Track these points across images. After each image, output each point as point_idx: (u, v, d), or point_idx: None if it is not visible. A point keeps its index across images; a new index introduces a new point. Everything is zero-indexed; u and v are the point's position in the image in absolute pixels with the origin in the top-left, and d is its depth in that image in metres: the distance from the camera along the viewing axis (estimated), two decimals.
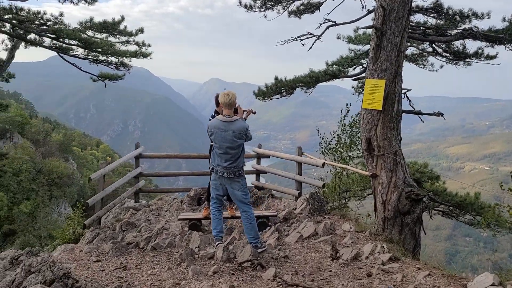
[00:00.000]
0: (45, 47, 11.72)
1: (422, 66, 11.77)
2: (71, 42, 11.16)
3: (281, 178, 10.30)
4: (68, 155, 67.40)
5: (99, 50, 11.35)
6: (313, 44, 9.42)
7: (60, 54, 12.04)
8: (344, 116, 9.73)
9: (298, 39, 9.52)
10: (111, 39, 13.60)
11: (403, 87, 11.28)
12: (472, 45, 15.06)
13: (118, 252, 5.10)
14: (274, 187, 9.38)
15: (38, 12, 11.23)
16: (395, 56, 6.27)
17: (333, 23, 8.32)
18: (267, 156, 10.01)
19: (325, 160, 9.20)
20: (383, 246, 5.44)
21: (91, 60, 12.03)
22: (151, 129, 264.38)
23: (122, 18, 13.34)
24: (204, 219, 6.76)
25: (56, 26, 10.90)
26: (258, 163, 10.09)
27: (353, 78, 9.93)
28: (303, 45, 9.69)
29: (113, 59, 12.05)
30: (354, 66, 10.63)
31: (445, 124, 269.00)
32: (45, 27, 10.92)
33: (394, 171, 6.29)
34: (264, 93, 10.73)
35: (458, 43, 9.36)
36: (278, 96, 11.32)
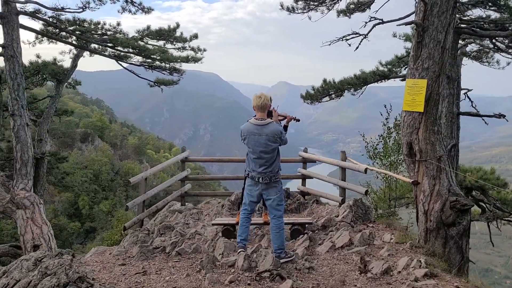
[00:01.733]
0: (104, 55, 12.39)
1: (487, 63, 10.84)
2: (129, 50, 11.67)
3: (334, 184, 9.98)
4: (142, 157, 71.23)
5: (152, 56, 11.75)
6: (359, 43, 9.02)
7: (119, 62, 12.64)
8: (386, 118, 9.19)
9: (344, 39, 9.19)
10: (168, 45, 14.13)
11: (464, 88, 10.52)
12: None
13: (143, 256, 5.18)
14: (318, 192, 9.09)
15: (98, 23, 11.91)
16: (439, 54, 5.77)
17: (380, 21, 7.89)
18: (314, 161, 9.73)
19: (372, 165, 8.75)
20: (420, 261, 5.01)
21: (146, 66, 12.50)
22: (221, 132, 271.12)
23: (177, 25, 13.74)
24: (237, 224, 6.69)
25: (115, 35, 11.46)
26: (304, 167, 9.85)
27: (402, 79, 9.36)
28: (349, 45, 9.34)
29: (166, 65, 12.42)
30: (405, 66, 10.02)
31: None
32: (105, 36, 11.55)
33: (437, 178, 5.79)
34: (312, 96, 10.49)
35: None
36: (327, 98, 11.02)
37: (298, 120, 6.21)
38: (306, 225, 6.83)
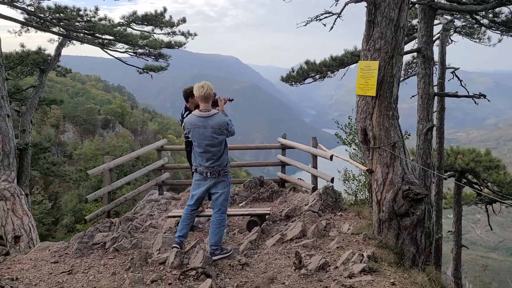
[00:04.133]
0: (89, 43, 12.28)
1: (478, 40, 10.21)
2: (112, 37, 11.52)
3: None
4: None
5: (134, 43, 11.57)
6: (334, 23, 8.61)
7: (104, 49, 12.52)
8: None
9: (317, 19, 8.75)
10: (158, 31, 13.92)
11: (453, 66, 9.98)
12: None
13: (79, 253, 5.08)
14: (293, 179, 8.84)
15: (79, 9, 11.72)
16: (391, 33, 5.38)
17: None
18: (292, 147, 9.46)
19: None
20: (362, 255, 4.76)
21: (131, 53, 12.34)
22: (241, 116, 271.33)
23: (165, 10, 13.48)
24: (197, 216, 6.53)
25: (94, 22, 11.30)
26: (284, 154, 9.59)
27: None
28: (324, 25, 8.92)
29: (151, 51, 12.23)
30: None
31: None
32: (83, 23, 11.40)
33: (391, 166, 5.46)
34: (293, 78, 10.15)
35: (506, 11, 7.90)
36: (311, 80, 10.65)
37: (231, 100, 5.96)
38: (267, 216, 6.61)
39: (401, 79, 8.61)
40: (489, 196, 11.60)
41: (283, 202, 8.14)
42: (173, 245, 4.88)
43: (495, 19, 7.88)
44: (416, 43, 7.82)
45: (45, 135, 52.09)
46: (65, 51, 14.34)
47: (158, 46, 12.13)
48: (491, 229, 13.01)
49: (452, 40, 11.12)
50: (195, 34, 14.50)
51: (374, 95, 5.46)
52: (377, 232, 5.56)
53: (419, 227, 5.36)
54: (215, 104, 5.46)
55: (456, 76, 10.83)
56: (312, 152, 7.89)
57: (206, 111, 4.80)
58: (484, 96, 7.89)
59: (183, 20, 14.01)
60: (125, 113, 71.48)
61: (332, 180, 7.51)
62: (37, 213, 26.44)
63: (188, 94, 6.52)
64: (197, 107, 6.24)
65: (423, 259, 5.43)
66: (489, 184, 11.87)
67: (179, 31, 14.27)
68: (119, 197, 8.76)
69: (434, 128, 8.94)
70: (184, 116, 6.38)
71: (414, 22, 9.94)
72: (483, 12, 7.60)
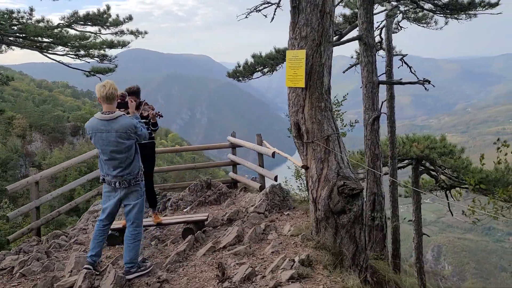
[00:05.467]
0: (25, 47, 11.56)
1: (425, 25, 10.03)
2: (44, 39, 10.85)
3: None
4: None
5: (71, 44, 10.94)
6: (274, 13, 8.27)
7: (44, 53, 11.84)
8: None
9: (256, 10, 8.41)
10: (105, 31, 13.30)
11: (402, 53, 9.74)
12: None
13: None
14: (243, 179, 8.46)
15: (12, 12, 10.99)
16: (317, 19, 5.03)
17: None
18: (240, 146, 9.07)
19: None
20: (294, 260, 4.40)
21: (71, 56, 11.70)
22: (218, 115, 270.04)
23: (108, 8, 12.88)
24: (122, 229, 6.04)
25: (26, 24, 10.62)
26: (234, 153, 9.20)
27: None
28: (265, 16, 8.58)
29: (94, 53, 11.62)
30: (336, 34, 9.22)
31: None
32: (14, 27, 10.69)
33: (325, 161, 5.12)
34: (240, 73, 9.74)
35: None
36: (260, 74, 10.27)
37: (161, 116, 5.53)
38: (205, 222, 6.20)
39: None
40: (449, 179, 11.53)
41: (231, 204, 7.75)
42: (85, 266, 4.38)
43: (436, 2, 7.67)
44: (357, 30, 7.55)
45: (11, 146, 50.22)
46: (29, 59, 13.55)
47: (98, 46, 11.52)
48: (452, 215, 12.91)
49: (401, 27, 10.97)
50: (145, 32, 13.97)
51: (304, 86, 5.11)
52: (315, 232, 5.23)
53: (357, 224, 5.04)
54: (123, 106, 4.92)
55: (405, 62, 10.64)
56: (257, 150, 7.53)
57: (109, 113, 4.28)
58: (429, 82, 7.66)
59: (129, 18, 13.45)
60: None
61: (275, 179, 7.16)
62: None
63: (128, 93, 6.07)
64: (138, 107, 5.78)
65: (363, 257, 5.12)
66: (446, 170, 11.80)
67: (127, 30, 13.71)
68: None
69: (386, 117, 8.68)
70: None
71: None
72: None
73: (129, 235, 4.45)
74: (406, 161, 12.56)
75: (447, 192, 12.21)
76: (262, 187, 7.62)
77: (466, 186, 11.14)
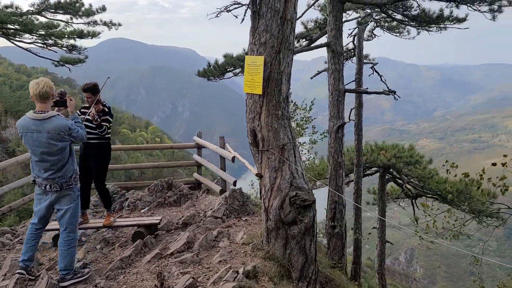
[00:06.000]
0: None
1: (398, 34, 10.07)
2: (9, 26, 10.47)
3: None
4: (114, 137, 69.51)
5: (38, 33, 10.59)
6: (244, 15, 8.12)
7: (11, 40, 11.44)
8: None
9: (226, 10, 8.23)
10: (77, 20, 12.98)
11: (371, 61, 9.73)
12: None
13: None
14: (205, 181, 8.33)
15: None
16: (278, 26, 4.93)
17: None
18: (204, 147, 8.93)
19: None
20: (237, 271, 4.31)
21: (39, 44, 11.34)
22: (201, 109, 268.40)
23: None
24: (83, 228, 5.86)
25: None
26: (199, 153, 9.05)
27: (295, 53, 8.49)
28: (236, 16, 8.41)
29: (62, 42, 11.28)
30: (307, 39, 9.14)
31: (503, 93, 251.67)
32: None
33: (279, 170, 5.04)
34: (209, 72, 9.58)
35: (423, 6, 7.71)
36: (231, 74, 10.14)
37: (98, 120, 5.37)
38: (158, 225, 6.06)
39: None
40: (414, 188, 11.65)
41: (191, 206, 7.62)
42: (17, 271, 4.18)
43: (406, 13, 7.68)
44: (326, 37, 7.49)
45: None
46: (7, 42, 12.92)
47: (67, 36, 11.19)
48: (417, 223, 13.08)
49: (374, 35, 10.99)
50: (119, 24, 13.69)
51: (261, 93, 5.01)
52: (265, 242, 5.15)
53: (307, 236, 4.98)
54: (61, 104, 4.70)
55: (376, 71, 10.67)
56: (219, 153, 7.41)
57: (41, 113, 4.08)
58: (394, 93, 7.66)
59: (103, 9, 13.16)
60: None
61: (234, 184, 7.05)
62: None
63: (83, 90, 5.90)
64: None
65: (313, 269, 5.07)
66: (412, 179, 11.93)
67: (101, 21, 13.44)
68: None
69: (353, 125, 8.66)
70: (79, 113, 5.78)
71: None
72: (395, 7, 7.35)
73: (62, 241, 4.25)
74: (374, 169, 12.64)
75: (413, 201, 12.36)
76: (222, 191, 7.51)
77: (431, 195, 11.26)
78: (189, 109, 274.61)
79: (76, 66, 12.90)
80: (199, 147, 8.98)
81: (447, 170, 6.25)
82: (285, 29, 4.99)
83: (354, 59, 10.53)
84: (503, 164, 6.13)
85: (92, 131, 5.70)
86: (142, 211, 7.36)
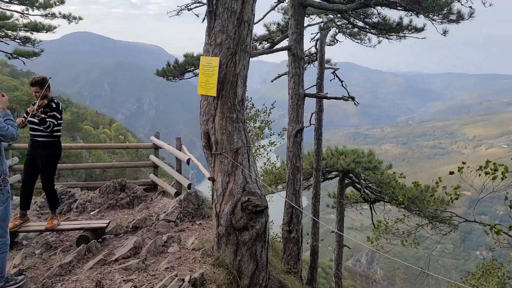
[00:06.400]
0: None
1: (359, 41, 10.18)
2: None
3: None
4: (75, 134, 67.40)
5: None
6: (205, 14, 7.96)
7: None
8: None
9: (187, 8, 8.09)
10: (33, 12, 12.43)
11: (334, 66, 9.77)
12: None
13: None
14: (161, 182, 8.10)
15: None
16: (234, 27, 4.81)
17: None
18: (161, 147, 8.70)
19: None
20: (183, 279, 4.16)
21: None
22: (167, 107, 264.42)
23: None
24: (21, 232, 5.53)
25: None
26: (156, 154, 8.81)
27: (254, 56, 8.40)
28: (197, 15, 8.26)
29: (13, 34, 10.73)
30: (268, 42, 9.06)
31: (462, 101, 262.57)
32: None
33: (232, 174, 4.92)
34: (169, 72, 9.35)
35: (383, 14, 7.78)
36: (191, 75, 9.94)
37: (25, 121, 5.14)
38: (105, 229, 5.80)
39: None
40: (372, 193, 11.84)
41: (144, 209, 7.38)
42: None
43: (367, 20, 7.74)
44: (287, 40, 7.44)
45: None
46: None
47: (19, 28, 10.67)
48: (374, 227, 13.31)
49: (337, 40, 11.08)
50: (80, 18, 13.22)
51: (215, 95, 4.88)
52: (216, 247, 5.01)
53: (259, 242, 4.88)
54: None
55: (337, 76, 10.77)
56: (175, 154, 7.21)
57: None
58: (353, 99, 7.72)
59: (61, 2, 12.68)
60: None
61: (189, 187, 6.88)
62: None
63: (31, 84, 5.63)
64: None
65: (263, 276, 4.97)
66: (370, 184, 12.13)
67: (59, 13, 12.96)
68: None
69: (313, 129, 8.66)
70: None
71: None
72: (357, 13, 7.40)
73: None
74: (334, 173, 12.76)
75: (372, 205, 12.56)
76: (177, 193, 7.31)
77: (389, 201, 11.45)
78: (155, 107, 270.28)
79: (31, 59, 12.35)
80: (156, 148, 8.75)
81: (396, 180, 6.32)
82: (242, 31, 4.87)
83: (317, 63, 10.57)
84: (459, 169, 6.23)
85: (38, 127, 5.42)
86: (92, 213, 7.07)
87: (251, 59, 9.34)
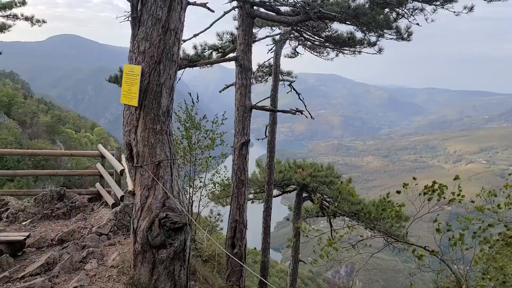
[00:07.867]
0: None
1: (318, 54, 10.11)
2: None
3: None
4: (55, 137, 66.14)
5: None
6: (130, 21, 7.76)
7: None
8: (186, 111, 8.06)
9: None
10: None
11: (290, 78, 9.63)
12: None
13: None
14: (103, 192, 7.82)
15: None
16: (158, 35, 4.62)
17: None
18: (105, 157, 8.42)
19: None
20: None
21: None
22: None
23: None
24: None
25: None
26: (103, 163, 8.52)
27: (210, 65, 8.19)
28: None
29: None
30: (219, 51, 8.86)
31: (443, 117, 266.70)
32: None
33: (152, 189, 4.70)
34: (121, 79, 9.05)
35: (335, 28, 7.70)
36: None
37: None
38: (24, 243, 5.49)
39: None
40: (327, 208, 11.76)
41: (81, 220, 7.06)
42: None
43: (319, 33, 7.65)
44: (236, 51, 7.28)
45: None
46: None
47: None
48: (335, 242, 13.15)
49: (297, 52, 11.00)
50: (44, 21, 12.99)
51: (137, 105, 4.66)
52: (133, 265, 4.76)
53: (177, 260, 4.65)
54: None
55: (294, 89, 10.68)
56: (113, 164, 6.95)
57: None
58: (301, 112, 7.61)
59: (23, 3, 12.41)
60: (13, 103, 64.73)
61: (121, 199, 6.60)
62: None
63: None
64: None
65: None
66: (327, 199, 12.03)
67: (22, 15, 12.69)
68: None
69: (266, 142, 8.49)
70: None
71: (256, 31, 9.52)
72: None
73: None
74: (292, 186, 12.63)
75: (330, 219, 12.43)
76: (115, 204, 7.03)
77: (347, 215, 11.33)
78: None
79: None
80: (103, 157, 8.46)
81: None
82: (168, 39, 4.69)
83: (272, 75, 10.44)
84: (404, 185, 6.14)
85: None
86: (24, 223, 6.73)
87: (211, 66, 9.16)
